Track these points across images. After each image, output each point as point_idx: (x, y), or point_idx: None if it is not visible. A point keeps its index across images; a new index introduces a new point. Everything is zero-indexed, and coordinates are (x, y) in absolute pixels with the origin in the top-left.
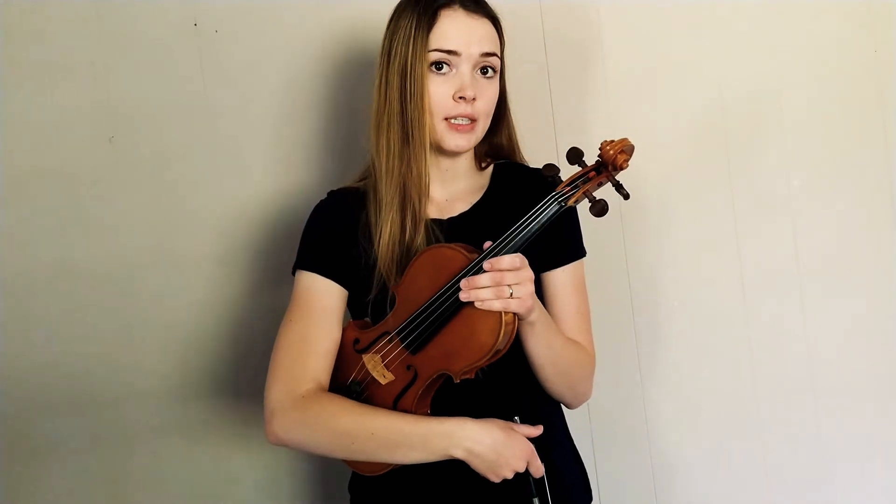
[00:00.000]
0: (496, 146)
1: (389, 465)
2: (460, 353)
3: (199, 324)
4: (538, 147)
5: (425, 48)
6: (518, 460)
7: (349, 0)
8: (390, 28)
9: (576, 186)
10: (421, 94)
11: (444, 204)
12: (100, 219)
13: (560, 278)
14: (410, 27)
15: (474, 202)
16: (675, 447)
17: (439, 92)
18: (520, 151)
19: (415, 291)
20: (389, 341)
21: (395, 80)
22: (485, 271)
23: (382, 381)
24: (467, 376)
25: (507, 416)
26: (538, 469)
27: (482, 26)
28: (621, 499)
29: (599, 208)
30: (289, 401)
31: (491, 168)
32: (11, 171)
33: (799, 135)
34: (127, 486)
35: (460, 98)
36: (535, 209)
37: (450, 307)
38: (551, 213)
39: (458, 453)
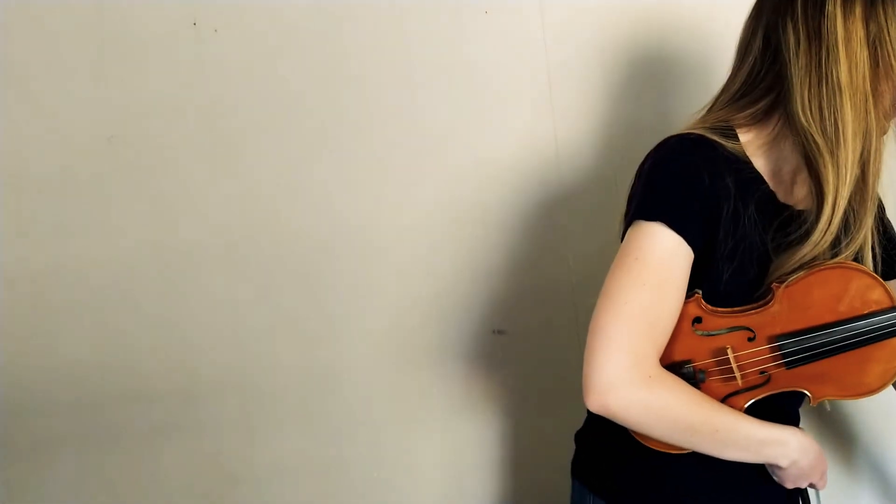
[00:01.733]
0: None
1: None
2: (836, 383)
3: (199, 324)
4: (538, 147)
5: None
6: (820, 475)
7: (349, 0)
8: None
9: None
10: None
11: None
12: (100, 219)
13: None
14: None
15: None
16: None
17: None
18: None
19: (814, 305)
20: (758, 343)
21: (886, 53)
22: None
23: (740, 384)
24: (822, 401)
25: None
26: (825, 483)
27: None
28: None
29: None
30: (635, 377)
31: None
32: (11, 171)
33: None
34: (127, 486)
35: None
36: None
37: (857, 343)
38: None
39: (785, 462)
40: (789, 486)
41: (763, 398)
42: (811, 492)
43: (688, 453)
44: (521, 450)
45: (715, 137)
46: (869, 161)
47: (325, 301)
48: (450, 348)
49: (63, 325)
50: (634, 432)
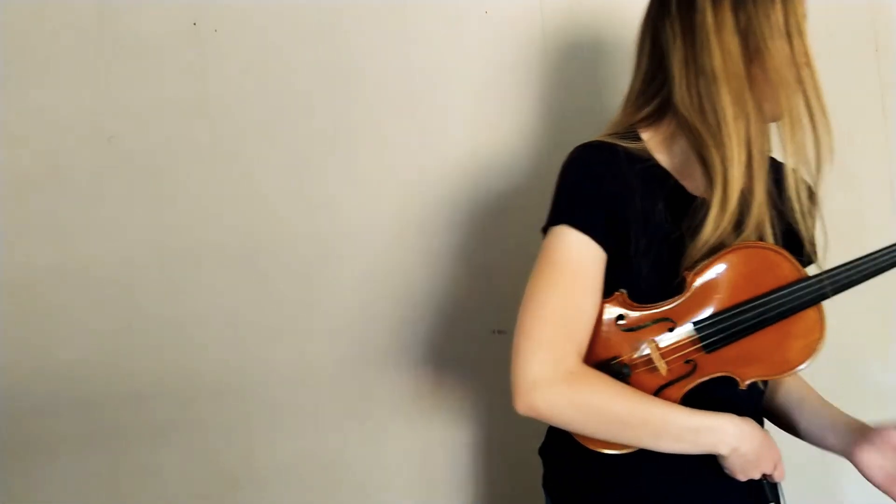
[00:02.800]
0: None
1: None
2: (760, 363)
3: (199, 324)
4: (539, 146)
5: (798, 7)
6: (770, 463)
7: (349, 0)
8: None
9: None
10: (795, 57)
11: None
12: (100, 219)
13: None
14: None
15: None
16: None
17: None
18: None
19: (725, 288)
20: (678, 332)
21: (759, 37)
22: (812, 298)
23: (663, 373)
24: (752, 383)
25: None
26: (782, 474)
27: None
28: None
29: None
30: (556, 374)
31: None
32: (11, 171)
33: None
34: (127, 487)
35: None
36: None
37: (771, 318)
38: None
39: (724, 450)
40: (740, 477)
41: (706, 389)
42: (780, 490)
43: (651, 461)
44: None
45: (616, 141)
46: (752, 143)
47: (326, 301)
48: (450, 349)
49: (63, 324)
50: (578, 435)
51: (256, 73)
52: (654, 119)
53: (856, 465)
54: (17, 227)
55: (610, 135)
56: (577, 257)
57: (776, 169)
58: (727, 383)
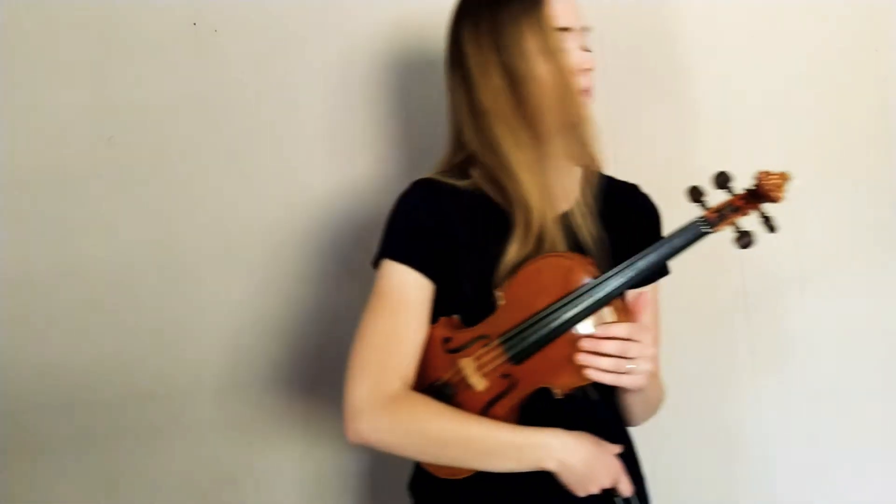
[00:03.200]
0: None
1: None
2: (566, 370)
3: (199, 324)
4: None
5: (548, 26)
6: (607, 476)
7: (350, 1)
8: (487, 18)
9: (722, 216)
10: (561, 72)
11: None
12: (100, 219)
13: (651, 294)
14: (520, 12)
15: (572, 203)
16: (673, 448)
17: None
18: None
19: (525, 299)
20: (489, 347)
21: (519, 67)
22: (605, 295)
23: (479, 388)
24: (570, 392)
25: (594, 433)
26: (627, 488)
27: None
28: None
29: (747, 241)
30: (377, 400)
31: (578, 170)
32: (11, 171)
33: (800, 134)
34: (126, 486)
35: (584, 70)
36: (675, 234)
37: (569, 323)
38: (689, 239)
39: (551, 465)
40: (578, 492)
41: (540, 406)
42: (622, 500)
43: (512, 489)
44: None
45: (441, 178)
46: (539, 166)
47: (325, 301)
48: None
49: (63, 324)
50: (424, 463)
51: (256, 73)
52: (469, 154)
53: None
54: (17, 227)
55: (440, 172)
56: (400, 288)
57: (600, 180)
58: (551, 396)
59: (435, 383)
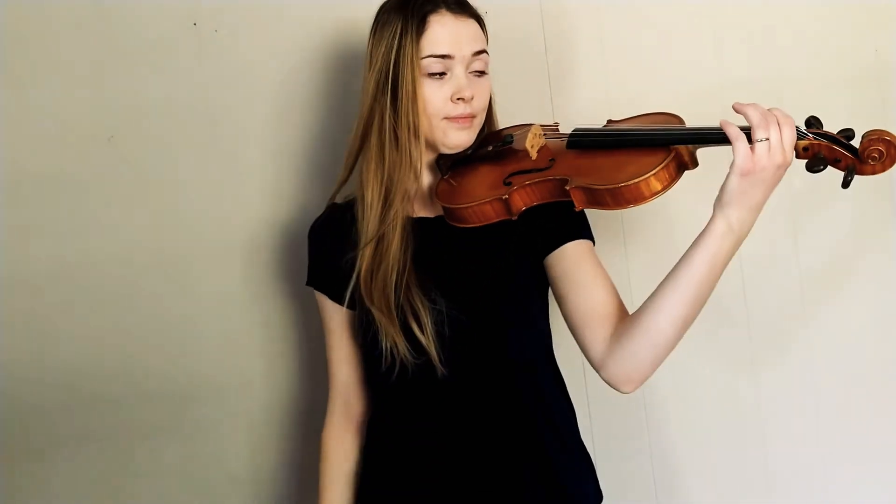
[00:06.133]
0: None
1: None
2: (595, 174)
3: (199, 324)
4: None
5: (418, 55)
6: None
7: (349, 1)
8: (375, 36)
9: (821, 139)
10: (414, 100)
11: (431, 203)
12: (100, 219)
13: (580, 248)
14: (398, 35)
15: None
16: (673, 448)
17: (437, 96)
18: None
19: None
20: (557, 132)
21: (385, 87)
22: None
23: (532, 156)
24: (574, 195)
25: (487, 417)
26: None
27: (469, 26)
28: (622, 502)
29: (847, 179)
30: (331, 421)
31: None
32: (11, 171)
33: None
34: (127, 486)
35: (458, 99)
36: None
37: (626, 142)
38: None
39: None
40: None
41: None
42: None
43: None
44: None
45: (343, 201)
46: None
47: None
48: None
49: (63, 324)
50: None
51: (256, 73)
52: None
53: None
54: (17, 227)
55: (347, 197)
56: (322, 312)
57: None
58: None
59: (502, 131)
